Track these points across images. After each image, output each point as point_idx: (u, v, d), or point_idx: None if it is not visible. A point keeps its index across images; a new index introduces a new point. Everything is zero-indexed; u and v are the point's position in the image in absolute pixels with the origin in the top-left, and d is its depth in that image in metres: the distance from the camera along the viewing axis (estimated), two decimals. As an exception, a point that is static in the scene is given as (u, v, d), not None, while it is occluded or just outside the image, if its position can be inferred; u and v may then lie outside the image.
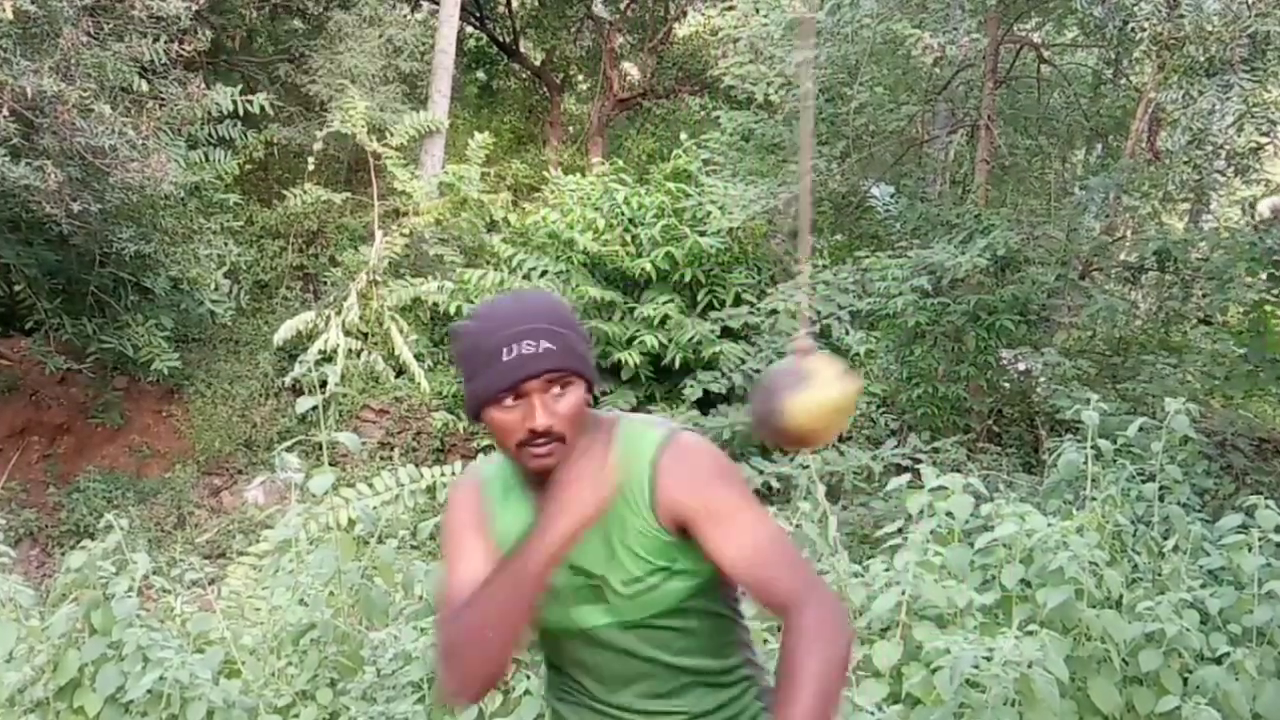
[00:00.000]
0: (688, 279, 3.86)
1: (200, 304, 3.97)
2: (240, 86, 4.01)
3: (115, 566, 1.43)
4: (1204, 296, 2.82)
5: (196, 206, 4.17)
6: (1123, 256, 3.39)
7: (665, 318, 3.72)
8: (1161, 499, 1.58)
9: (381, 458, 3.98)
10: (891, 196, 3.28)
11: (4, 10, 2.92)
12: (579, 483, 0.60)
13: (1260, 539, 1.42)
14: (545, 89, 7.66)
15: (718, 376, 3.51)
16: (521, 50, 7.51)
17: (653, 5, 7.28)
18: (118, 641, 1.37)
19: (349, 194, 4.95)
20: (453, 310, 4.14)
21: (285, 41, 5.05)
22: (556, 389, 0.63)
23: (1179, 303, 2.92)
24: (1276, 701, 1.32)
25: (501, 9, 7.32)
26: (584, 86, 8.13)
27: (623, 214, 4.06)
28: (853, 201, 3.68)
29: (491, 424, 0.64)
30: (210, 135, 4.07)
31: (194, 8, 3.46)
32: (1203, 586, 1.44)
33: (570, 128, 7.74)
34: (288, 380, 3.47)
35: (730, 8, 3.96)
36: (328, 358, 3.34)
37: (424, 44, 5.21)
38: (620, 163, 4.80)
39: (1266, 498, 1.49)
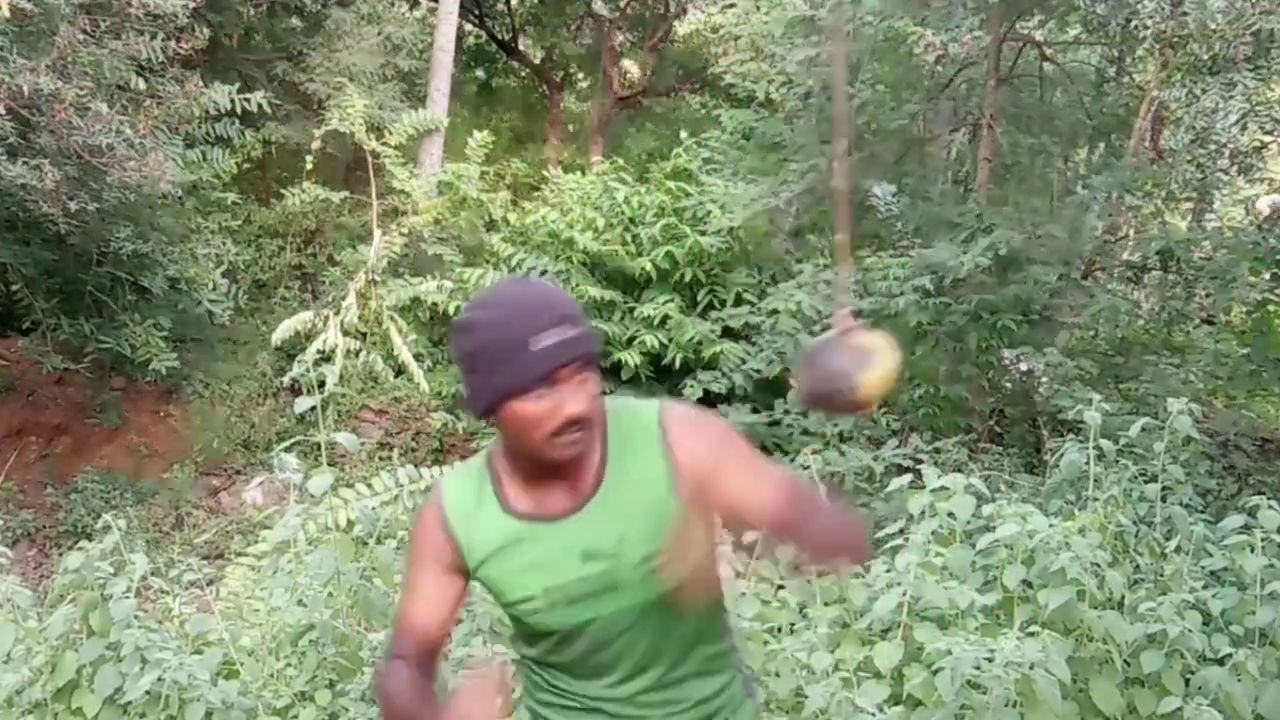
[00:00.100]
0: (688, 278, 3.84)
1: (198, 304, 3.96)
2: (238, 85, 3.98)
3: (113, 567, 1.42)
4: (1207, 296, 2.82)
5: (194, 206, 4.16)
6: (1125, 256, 3.39)
7: (665, 317, 3.71)
8: (1164, 499, 1.58)
9: (380, 458, 3.98)
10: (893, 196, 3.27)
11: (1, 8, 2.90)
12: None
13: (1263, 540, 1.41)
14: (545, 87, 7.64)
15: (718, 376, 3.51)
16: (521, 48, 7.48)
17: (653, 3, 7.26)
18: (116, 642, 1.36)
19: (347, 193, 4.93)
20: (452, 310, 4.13)
21: (283, 39, 5.03)
22: (582, 376, 0.62)
23: (1182, 302, 2.92)
24: (1278, 702, 1.31)
25: (501, 7, 7.30)
26: (584, 85, 8.11)
27: (623, 213, 4.05)
28: (854, 201, 3.66)
29: (514, 418, 0.62)
30: (208, 134, 4.05)
31: (191, 6, 3.43)
32: (1205, 587, 1.44)
33: (570, 126, 7.72)
34: (286, 380, 3.47)
35: (731, 5, 3.98)
36: (326, 358, 3.34)
37: (423, 42, 5.20)
38: (620, 161, 4.77)
39: (1269, 498, 1.48)
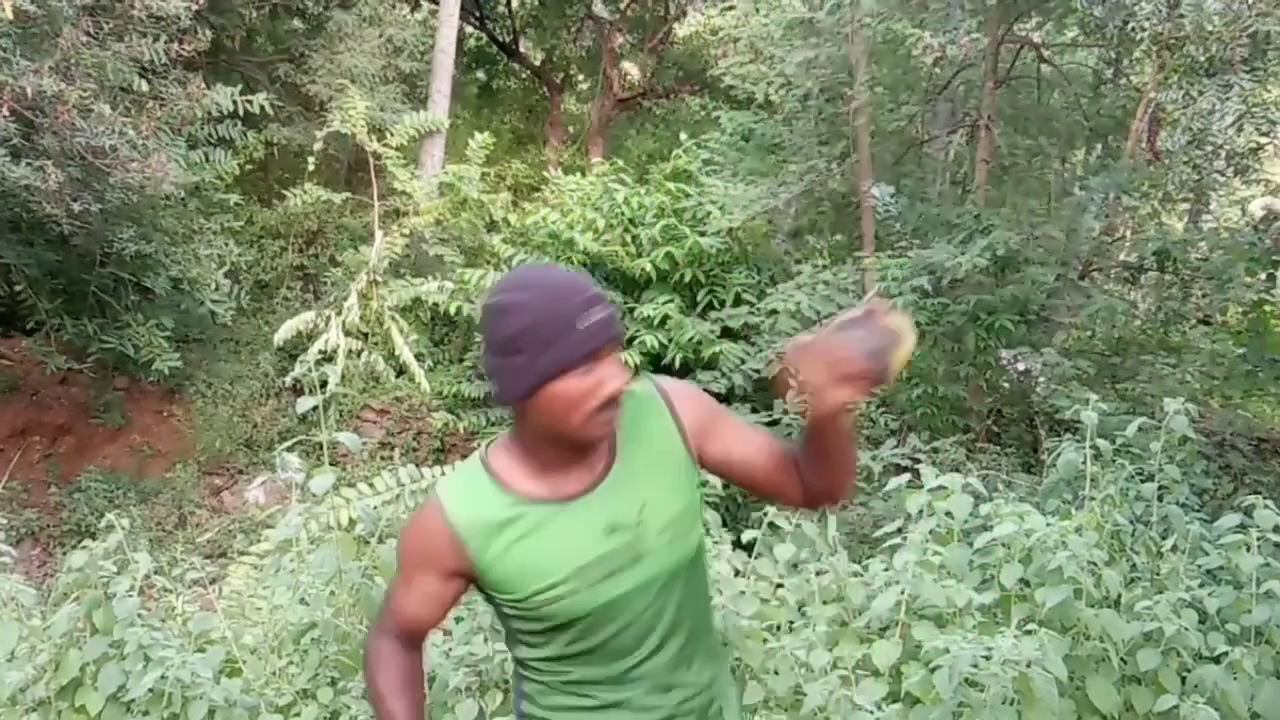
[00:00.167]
0: (688, 279, 3.85)
1: (201, 304, 3.96)
2: (240, 86, 3.99)
3: (116, 566, 1.44)
4: (1203, 296, 2.82)
5: (197, 207, 4.17)
6: (1122, 256, 3.40)
7: (665, 318, 3.72)
8: (1160, 499, 1.58)
9: (382, 457, 3.99)
10: (891, 196, 3.28)
11: (4, 10, 2.91)
12: None
13: (1259, 539, 1.42)
14: (545, 89, 7.66)
15: (717, 376, 3.52)
16: (521, 50, 7.51)
17: (653, 5, 7.28)
18: (119, 641, 1.37)
19: (349, 194, 4.95)
20: (453, 310, 4.15)
21: (285, 41, 5.04)
22: (616, 354, 0.66)
23: (1178, 303, 2.92)
24: (1275, 700, 1.32)
25: (501, 9, 7.31)
26: (584, 86, 8.14)
27: (623, 214, 4.06)
28: (853, 202, 3.68)
29: (557, 397, 0.63)
30: (210, 135, 4.07)
31: (194, 7, 3.45)
32: (1201, 586, 1.44)
33: (570, 128, 7.74)
34: (288, 380, 3.47)
35: (730, 7, 3.97)
36: (328, 358, 3.35)
37: (424, 44, 5.22)
38: (620, 163, 4.78)
39: (1265, 497, 1.48)
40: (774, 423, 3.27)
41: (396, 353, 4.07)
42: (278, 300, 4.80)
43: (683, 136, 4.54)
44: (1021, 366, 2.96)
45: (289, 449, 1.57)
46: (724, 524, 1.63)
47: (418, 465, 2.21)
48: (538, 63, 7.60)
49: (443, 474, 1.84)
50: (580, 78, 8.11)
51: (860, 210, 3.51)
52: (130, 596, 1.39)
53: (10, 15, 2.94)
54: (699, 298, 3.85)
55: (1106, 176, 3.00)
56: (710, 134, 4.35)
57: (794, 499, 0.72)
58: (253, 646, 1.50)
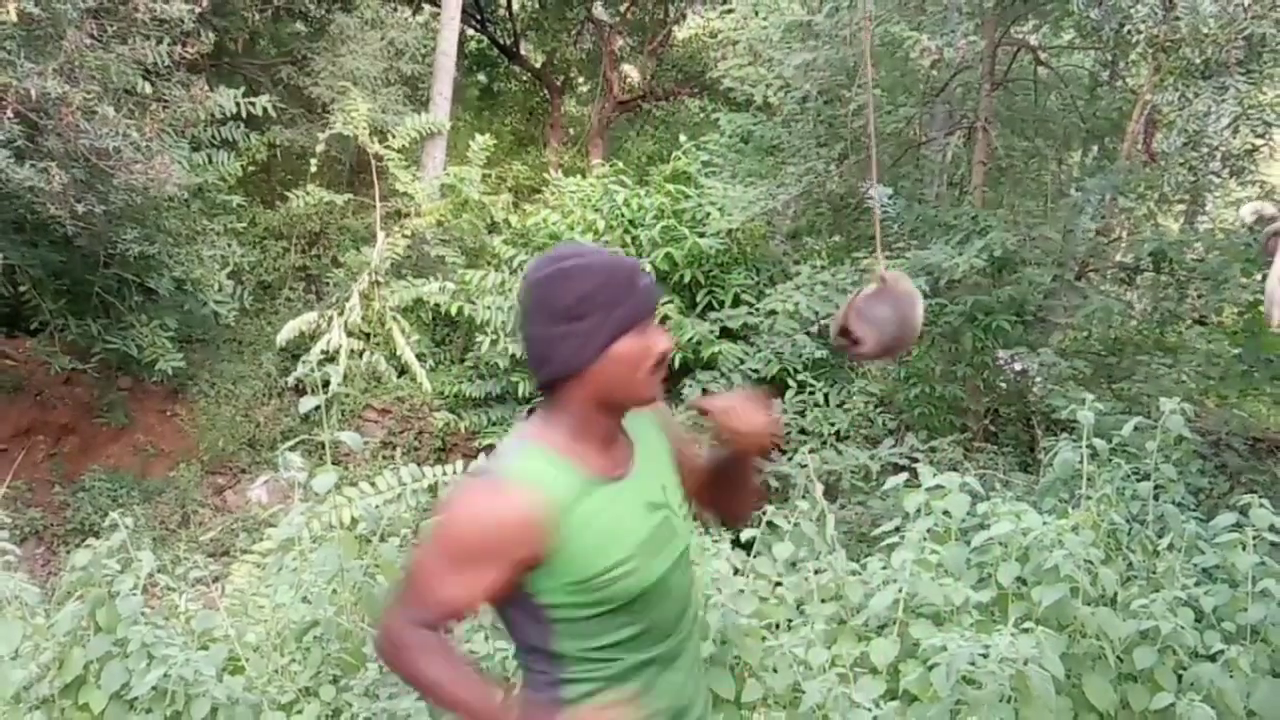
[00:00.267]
0: (687, 280, 3.87)
1: (204, 305, 3.98)
2: (243, 89, 4.01)
3: (120, 565, 1.45)
4: (1199, 297, 2.83)
5: (200, 208, 4.18)
6: (1118, 257, 3.41)
7: (664, 318, 3.74)
8: (1156, 498, 1.59)
9: (384, 457, 3.99)
10: (889, 198, 3.29)
11: (8, 13, 2.93)
12: None
13: (1254, 537, 1.42)
14: (546, 91, 7.69)
15: (716, 376, 3.53)
16: (522, 53, 7.54)
17: (652, 8, 7.30)
18: (122, 639, 1.38)
19: (351, 195, 4.97)
20: (454, 311, 4.16)
21: (288, 44, 5.07)
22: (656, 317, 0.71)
23: (1174, 303, 2.92)
24: (1270, 698, 1.32)
25: (502, 12, 7.35)
26: (584, 89, 8.17)
27: (622, 215, 4.08)
28: (851, 203, 3.69)
29: (622, 359, 0.66)
30: (213, 137, 4.09)
31: (197, 10, 3.46)
32: (1197, 584, 1.45)
33: (570, 130, 7.77)
34: (291, 380, 3.49)
35: (729, 10, 3.98)
36: (330, 358, 3.36)
37: (425, 46, 5.23)
38: (620, 164, 4.81)
39: (1261, 496, 1.49)
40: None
41: (398, 353, 4.08)
42: (280, 301, 4.81)
43: (682, 138, 4.57)
44: (1018, 366, 2.97)
45: (291, 448, 1.59)
46: (723, 523, 1.65)
47: (419, 465, 2.22)
48: (538, 65, 7.62)
49: (444, 474, 1.85)
50: (580, 80, 8.14)
51: (859, 211, 3.52)
52: (133, 595, 1.40)
53: (14, 18, 2.96)
54: (698, 298, 3.87)
55: (1103, 178, 3.01)
56: (709, 136, 4.36)
57: (715, 518, 0.77)
58: (255, 644, 1.51)
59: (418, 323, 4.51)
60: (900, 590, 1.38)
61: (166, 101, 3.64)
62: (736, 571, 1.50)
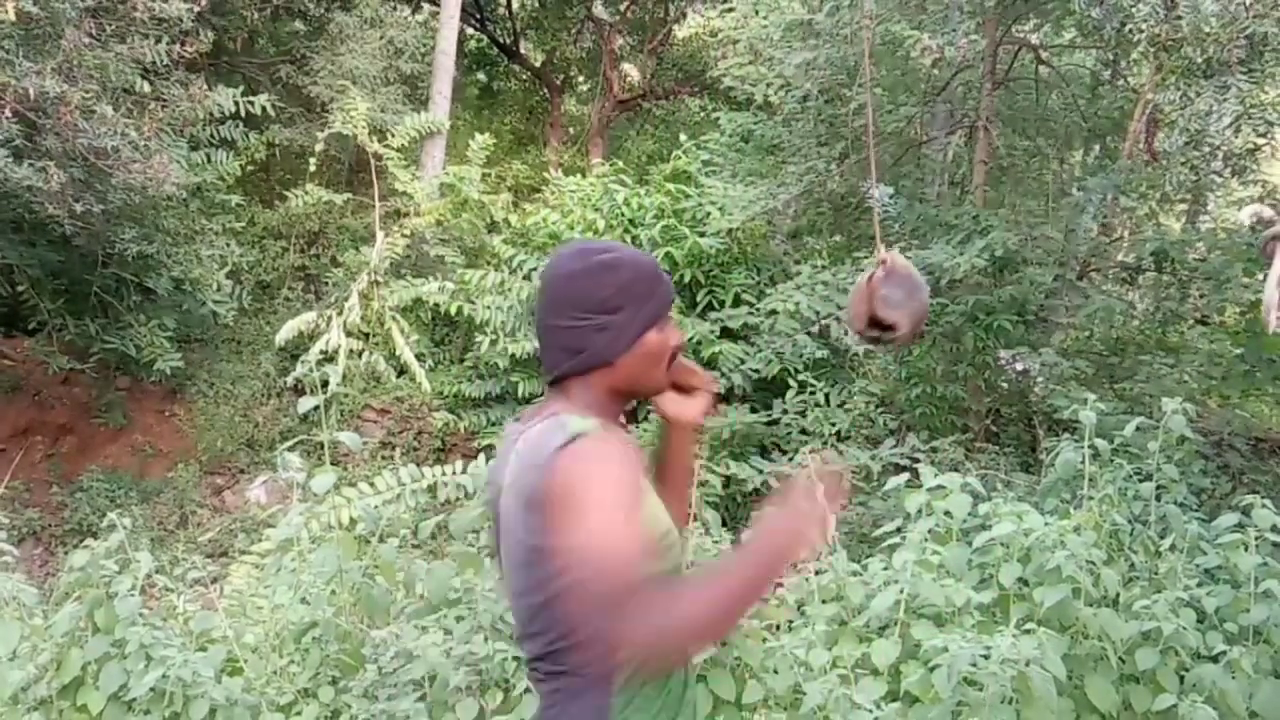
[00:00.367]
0: (687, 279, 3.86)
1: (202, 304, 3.97)
2: (242, 88, 4.00)
3: (118, 565, 1.44)
4: (1201, 297, 2.82)
5: (198, 207, 4.17)
6: (1120, 257, 3.40)
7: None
8: (1158, 498, 1.59)
9: (383, 457, 3.99)
10: (890, 197, 3.29)
11: (6, 11, 2.92)
12: (816, 522, 0.62)
13: (1257, 538, 1.42)
14: (545, 90, 7.67)
15: (717, 376, 3.52)
16: (522, 52, 7.53)
17: (652, 7, 7.29)
18: (120, 640, 1.38)
19: (350, 195, 4.96)
20: (453, 311, 4.16)
21: (287, 43, 5.05)
22: None
23: (1176, 303, 2.92)
24: (1273, 699, 1.32)
25: (502, 11, 7.33)
26: (584, 88, 8.15)
27: (622, 215, 4.07)
28: (852, 202, 3.68)
29: (649, 351, 0.68)
30: (212, 136, 4.08)
31: (196, 9, 3.46)
32: (1199, 585, 1.45)
33: (570, 129, 7.76)
34: (289, 380, 3.48)
35: (730, 9, 3.96)
36: (329, 358, 3.36)
37: (425, 45, 5.22)
38: (620, 164, 4.80)
39: (1263, 497, 1.49)
40: (773, 422, 3.28)
41: (397, 353, 4.07)
42: (279, 300, 4.80)
43: (682, 138, 4.56)
44: (1020, 366, 2.97)
45: (290, 448, 1.58)
46: (723, 523, 1.64)
47: (418, 465, 2.22)
48: (538, 64, 7.61)
49: (443, 474, 1.84)
50: (580, 79, 8.13)
51: (859, 211, 3.51)
52: (132, 596, 1.40)
53: (13, 17, 2.95)
54: (698, 298, 3.86)
55: (1104, 177, 3.00)
56: (710, 135, 4.35)
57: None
58: (254, 645, 1.51)
59: (417, 323, 4.50)
60: (901, 591, 1.37)
61: (165, 101, 3.63)
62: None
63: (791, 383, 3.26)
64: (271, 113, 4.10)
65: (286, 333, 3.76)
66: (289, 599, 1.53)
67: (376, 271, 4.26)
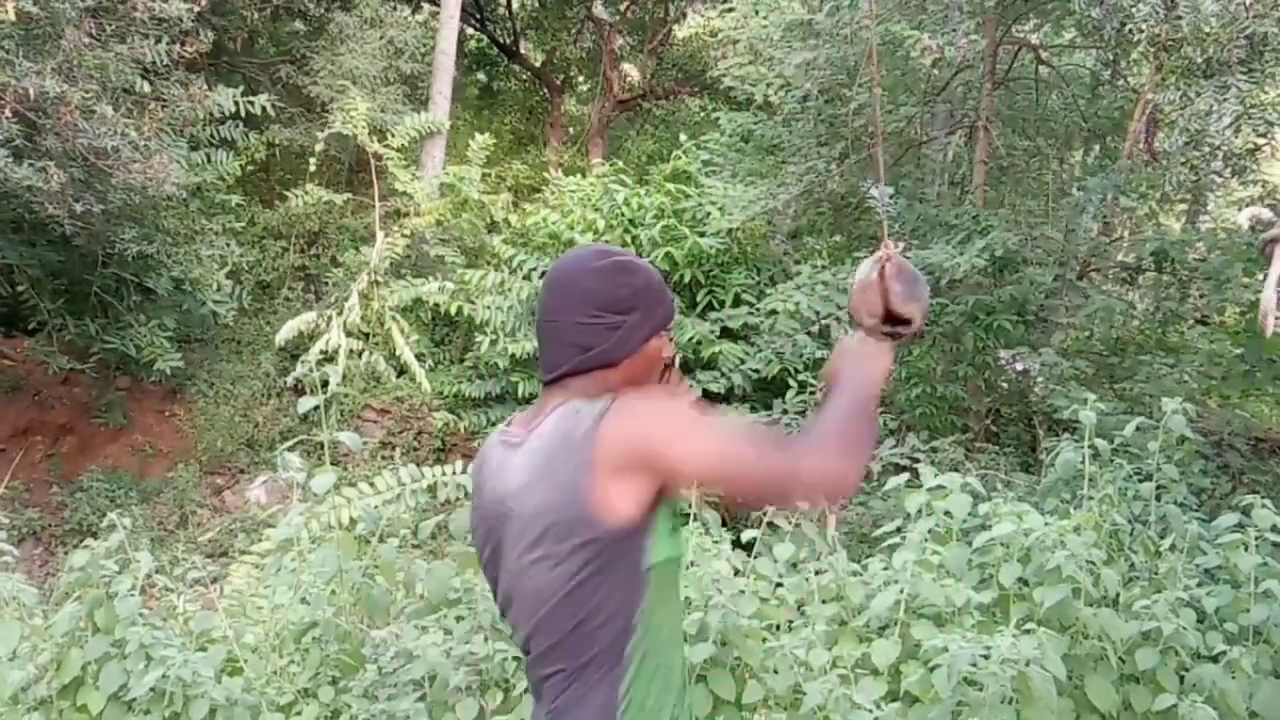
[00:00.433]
0: (687, 279, 3.86)
1: (202, 304, 3.97)
2: (242, 88, 4.01)
3: (118, 565, 1.44)
4: (1201, 297, 2.83)
5: (198, 207, 4.18)
6: (1120, 257, 3.41)
7: (664, 319, 3.74)
8: (1158, 498, 1.59)
9: (383, 457, 3.99)
10: (891, 197, 3.29)
11: (6, 12, 2.93)
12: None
13: (1257, 538, 1.42)
14: (545, 90, 7.68)
15: (717, 376, 3.52)
16: (522, 52, 7.53)
17: (652, 7, 7.30)
18: (120, 640, 1.38)
19: (350, 195, 4.96)
20: (453, 311, 4.16)
21: (287, 43, 5.05)
22: None
23: (1176, 303, 2.93)
24: (1273, 699, 1.32)
25: (502, 11, 7.34)
26: (584, 88, 8.16)
27: (623, 215, 4.07)
28: (851, 202, 3.68)
29: (651, 355, 0.71)
30: (212, 136, 4.08)
31: (196, 9, 3.46)
32: (1199, 585, 1.45)
33: (570, 129, 7.76)
34: (289, 380, 3.48)
35: (730, 9, 3.96)
36: (329, 358, 3.36)
37: (425, 46, 5.22)
38: (620, 164, 4.81)
39: (1263, 497, 1.49)
40: (774, 422, 3.28)
41: (397, 353, 4.07)
42: (279, 300, 4.80)
43: (682, 138, 4.57)
44: (1020, 366, 2.97)
45: (290, 448, 1.58)
46: (723, 524, 1.64)
47: (418, 465, 2.22)
48: (538, 64, 7.61)
49: (443, 474, 1.84)
50: (580, 79, 8.13)
51: (859, 211, 3.51)
52: (132, 596, 1.40)
53: (13, 17, 2.95)
54: (698, 298, 3.87)
55: (1104, 177, 3.00)
56: (710, 135, 4.36)
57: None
58: (254, 645, 1.51)
59: (417, 323, 4.51)
60: (901, 591, 1.37)
61: (165, 101, 3.64)
62: (737, 572, 1.50)
63: (791, 383, 3.27)
64: (271, 113, 4.11)
65: (286, 333, 3.76)
66: (289, 599, 1.53)
67: (376, 271, 4.27)
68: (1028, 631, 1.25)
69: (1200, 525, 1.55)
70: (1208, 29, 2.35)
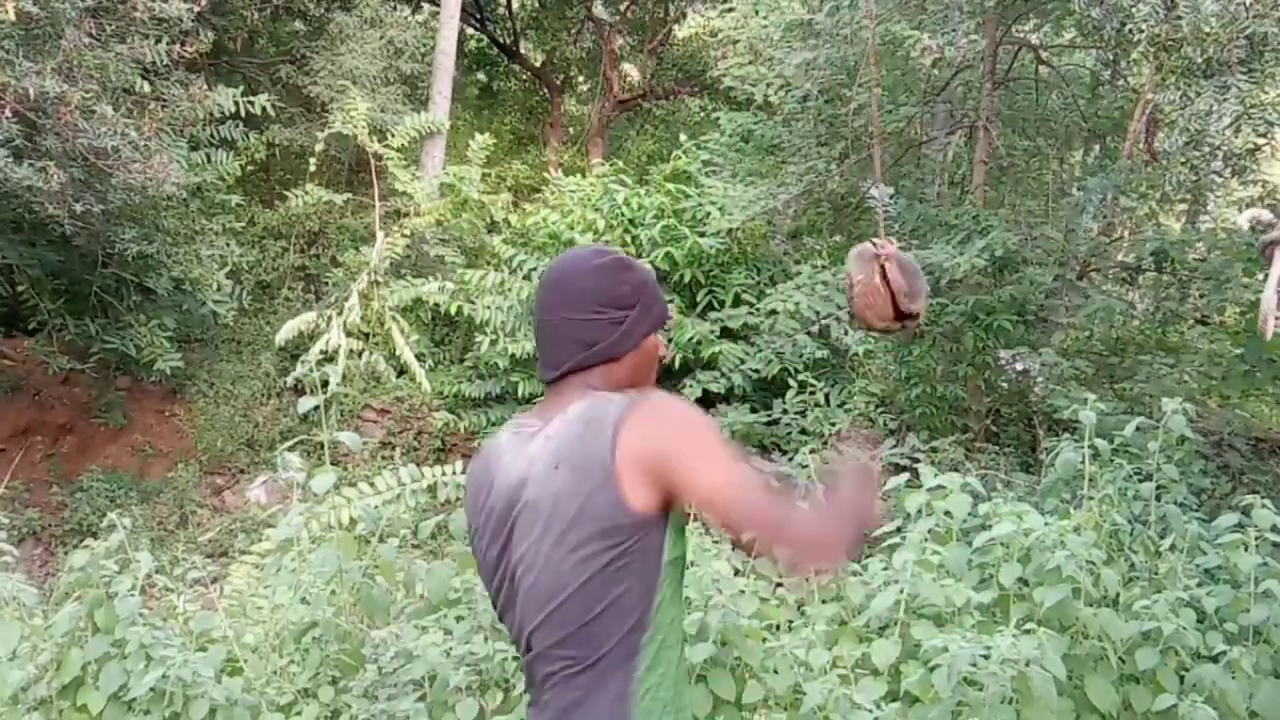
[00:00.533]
0: (687, 279, 3.86)
1: (202, 304, 3.97)
2: (242, 88, 4.01)
3: (118, 565, 1.44)
4: (1201, 297, 2.82)
5: (198, 207, 4.17)
6: (1120, 257, 3.40)
7: (663, 318, 3.73)
8: (1158, 498, 1.59)
9: (383, 457, 3.99)
10: (891, 197, 3.29)
11: (6, 11, 2.93)
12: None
13: (1257, 538, 1.43)
14: (545, 90, 7.68)
15: (717, 376, 3.53)
16: (522, 51, 7.53)
17: (652, 7, 7.29)
18: (120, 640, 1.38)
19: (350, 195, 4.96)
20: (453, 311, 4.16)
21: (287, 43, 5.05)
22: None
23: (1176, 303, 2.92)
24: (1273, 699, 1.32)
25: (502, 10, 7.33)
26: (584, 88, 8.16)
27: (623, 215, 4.07)
28: (852, 202, 3.69)
29: (650, 351, 0.73)
30: (212, 136, 4.08)
31: (196, 9, 3.46)
32: (1199, 585, 1.45)
33: (570, 129, 7.76)
34: (289, 380, 3.49)
35: (730, 9, 3.96)
36: (329, 358, 3.36)
37: (425, 45, 5.22)
38: (620, 164, 4.81)
39: (1263, 497, 1.49)
40: (773, 422, 3.29)
41: (397, 353, 4.07)
42: (279, 300, 4.80)
43: (682, 138, 4.56)
44: (1020, 366, 2.97)
45: (290, 448, 1.58)
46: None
47: (418, 465, 2.22)
48: (538, 64, 7.61)
49: (443, 474, 1.84)
50: (580, 79, 8.13)
51: (859, 211, 3.51)
52: (132, 596, 1.40)
53: (13, 17, 2.95)
54: (698, 298, 3.86)
55: (1104, 177, 3.00)
56: (710, 135, 4.35)
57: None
58: (254, 645, 1.51)
59: (417, 323, 4.51)
60: (901, 591, 1.37)
61: (165, 101, 3.63)
62: (737, 572, 1.50)
63: (791, 383, 3.27)
64: (271, 113, 4.10)
65: (286, 333, 3.76)
66: (289, 599, 1.53)
67: (376, 271, 4.26)
68: (1028, 631, 1.25)
69: (1200, 525, 1.55)
70: (1208, 29, 2.35)
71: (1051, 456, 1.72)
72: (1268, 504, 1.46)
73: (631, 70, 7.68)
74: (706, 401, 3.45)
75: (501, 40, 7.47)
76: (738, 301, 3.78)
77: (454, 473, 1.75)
